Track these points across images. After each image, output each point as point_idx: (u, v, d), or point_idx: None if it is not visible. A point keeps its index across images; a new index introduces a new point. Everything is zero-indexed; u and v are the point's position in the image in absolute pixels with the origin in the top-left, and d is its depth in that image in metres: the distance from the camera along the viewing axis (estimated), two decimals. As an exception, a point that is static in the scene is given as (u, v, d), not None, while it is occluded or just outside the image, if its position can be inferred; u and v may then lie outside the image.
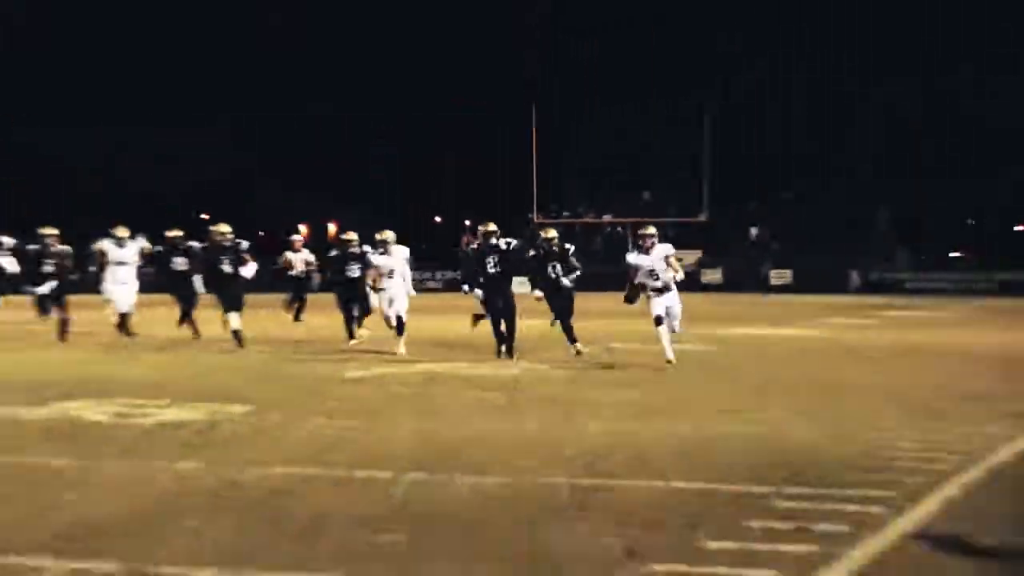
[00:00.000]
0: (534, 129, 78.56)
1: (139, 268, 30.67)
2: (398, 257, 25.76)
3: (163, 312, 31.78)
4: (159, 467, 12.64)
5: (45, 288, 28.66)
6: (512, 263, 25.06)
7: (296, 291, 36.35)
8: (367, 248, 28.64)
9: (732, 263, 78.94)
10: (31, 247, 28.98)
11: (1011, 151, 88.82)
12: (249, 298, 27.81)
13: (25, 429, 15.22)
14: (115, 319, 30.32)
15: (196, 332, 30.65)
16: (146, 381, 20.49)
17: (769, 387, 20.05)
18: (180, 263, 31.28)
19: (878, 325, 39.79)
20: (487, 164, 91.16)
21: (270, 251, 48.44)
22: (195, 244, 31.74)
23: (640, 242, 21.63)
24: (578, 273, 24.70)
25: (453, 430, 15.11)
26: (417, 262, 35.95)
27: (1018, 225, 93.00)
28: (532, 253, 26.21)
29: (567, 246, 25.71)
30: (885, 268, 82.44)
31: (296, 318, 35.78)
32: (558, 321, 25.94)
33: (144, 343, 28.69)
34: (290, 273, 36.24)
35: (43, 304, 28.94)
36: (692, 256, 74.51)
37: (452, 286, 30.70)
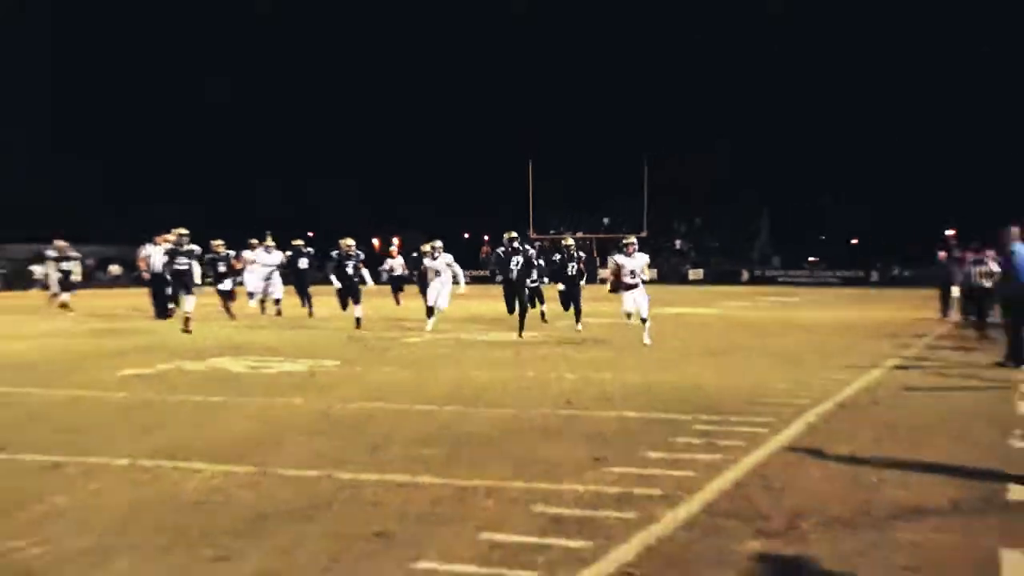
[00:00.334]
0: (531, 174, 78.20)
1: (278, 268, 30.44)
2: (443, 261, 24.51)
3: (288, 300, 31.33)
4: (278, 402, 12.72)
5: (228, 284, 28.40)
6: (531, 263, 23.90)
7: (395, 285, 36.08)
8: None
9: (663, 265, 78.74)
10: (208, 255, 27.93)
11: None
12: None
13: (189, 377, 15.28)
14: (255, 305, 30.22)
15: (311, 312, 29.69)
16: (270, 345, 20.54)
17: (688, 349, 20.10)
18: (302, 263, 30.89)
19: (759, 307, 39.72)
20: (498, 197, 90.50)
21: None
22: (310, 250, 31.47)
23: (625, 248, 21.00)
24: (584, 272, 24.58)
25: (477, 377, 15.17)
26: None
27: (852, 239, 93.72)
28: (556, 256, 25.66)
29: (581, 253, 25.02)
30: (765, 268, 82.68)
31: (398, 303, 34.82)
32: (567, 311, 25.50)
33: (275, 320, 28.62)
34: (392, 273, 36.10)
35: (226, 296, 28.54)
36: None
37: (475, 280, 30.35)
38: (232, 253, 29.00)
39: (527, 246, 24.40)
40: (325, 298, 29.44)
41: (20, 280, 62.62)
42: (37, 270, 63.11)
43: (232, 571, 5.98)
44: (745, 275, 78.11)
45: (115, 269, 71.56)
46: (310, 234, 31.30)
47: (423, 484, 8.18)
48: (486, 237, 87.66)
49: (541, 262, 27.32)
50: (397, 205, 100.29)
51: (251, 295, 31.31)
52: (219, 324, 26.08)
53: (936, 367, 17.17)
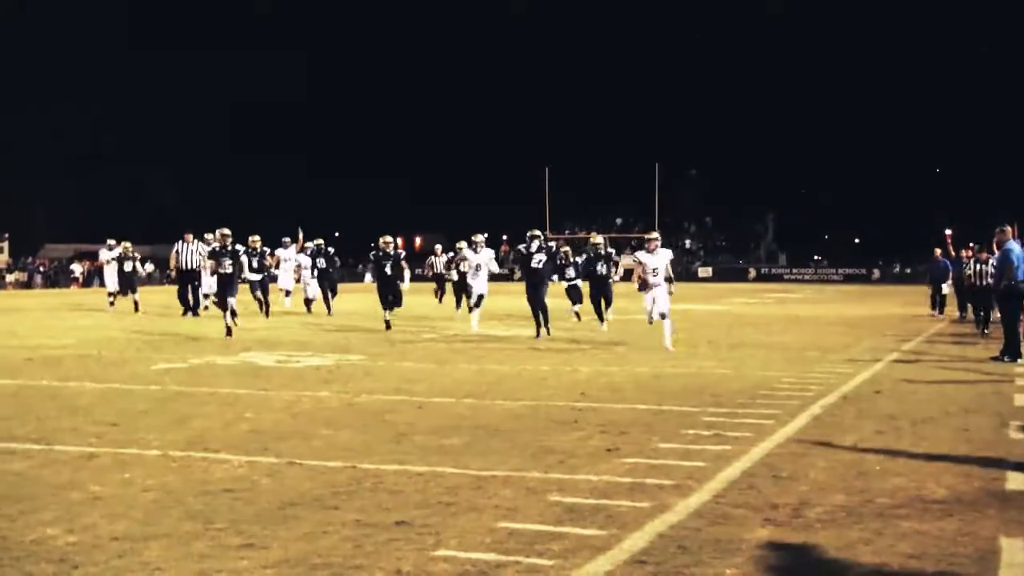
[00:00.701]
0: (547, 176, 78.25)
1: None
2: (486, 255, 23.56)
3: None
4: (305, 394, 12.70)
5: (256, 277, 28.01)
6: (552, 261, 21.80)
7: (439, 283, 35.89)
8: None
9: (674, 263, 78.77)
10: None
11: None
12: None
13: (219, 370, 15.29)
14: (289, 304, 30.09)
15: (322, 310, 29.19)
16: (299, 340, 20.58)
17: (697, 343, 20.07)
18: (320, 262, 29.85)
19: (766, 303, 39.73)
20: (520, 201, 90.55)
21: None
22: (331, 249, 30.47)
23: (647, 245, 19.06)
24: (615, 268, 24.12)
25: (494, 371, 15.14)
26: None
27: (856, 238, 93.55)
28: (585, 255, 25.46)
29: (610, 250, 24.53)
30: (771, 266, 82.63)
31: (440, 300, 34.04)
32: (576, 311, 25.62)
33: (304, 317, 28.61)
34: (435, 271, 35.98)
35: (256, 288, 28.29)
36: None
37: (493, 278, 30.50)
38: (267, 250, 28.74)
39: (551, 244, 22.49)
40: (349, 295, 29.34)
41: (62, 278, 62.91)
42: (76, 268, 63.54)
43: (258, 558, 5.93)
44: (752, 273, 78.31)
45: (148, 267, 71.93)
46: (336, 234, 30.51)
47: (442, 473, 8.14)
48: (504, 236, 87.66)
49: (577, 260, 26.58)
50: (413, 206, 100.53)
51: (287, 293, 31.25)
52: (250, 319, 26.12)
53: (936, 361, 17.13)
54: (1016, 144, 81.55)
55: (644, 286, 18.75)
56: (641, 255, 19.10)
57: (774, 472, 8.25)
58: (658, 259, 18.79)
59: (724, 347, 19.38)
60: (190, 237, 28.31)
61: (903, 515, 6.94)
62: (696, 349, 18.75)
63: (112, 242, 31.14)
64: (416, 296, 30.82)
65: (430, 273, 35.17)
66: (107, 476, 8.12)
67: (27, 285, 61.04)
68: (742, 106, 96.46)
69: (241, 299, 23.00)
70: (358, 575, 5.61)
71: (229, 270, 22.09)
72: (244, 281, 25.45)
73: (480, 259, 23.55)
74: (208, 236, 27.77)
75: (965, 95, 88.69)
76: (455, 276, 25.70)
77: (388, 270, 23.34)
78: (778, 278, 75.87)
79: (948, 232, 24.63)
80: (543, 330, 21.07)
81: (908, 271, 69.15)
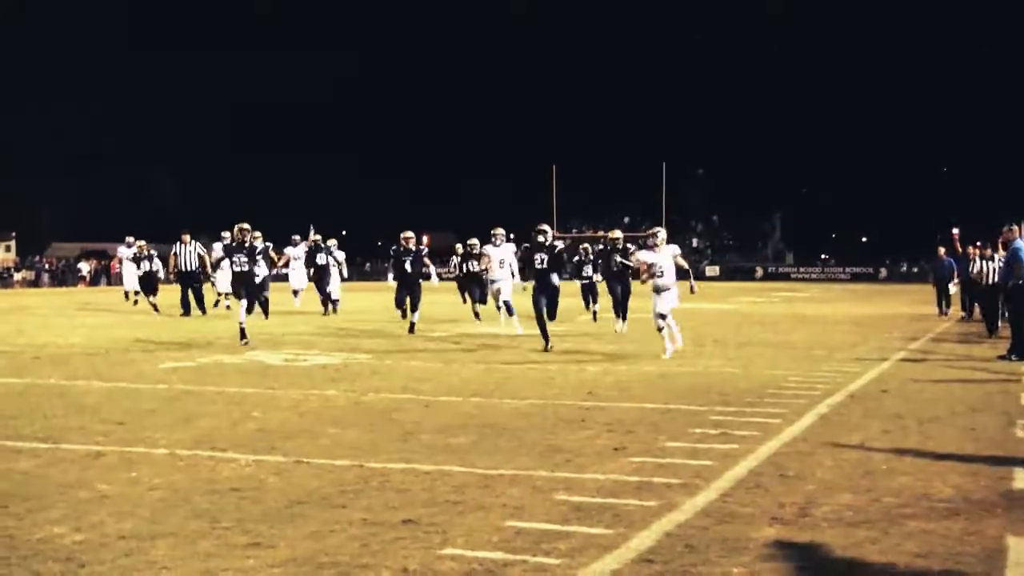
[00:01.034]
0: (554, 177, 78.18)
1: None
2: (509, 249, 21.72)
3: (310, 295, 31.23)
4: (312, 393, 12.71)
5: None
6: (557, 260, 18.52)
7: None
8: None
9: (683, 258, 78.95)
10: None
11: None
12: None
13: (226, 369, 15.30)
14: (299, 303, 29.94)
15: (331, 310, 28.81)
16: (305, 339, 20.57)
17: (704, 342, 20.06)
18: (320, 259, 29.17)
19: (773, 302, 39.74)
20: (527, 201, 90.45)
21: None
22: (331, 244, 29.70)
23: (649, 241, 17.21)
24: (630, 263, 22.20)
25: (501, 370, 15.15)
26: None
27: (863, 237, 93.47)
28: (600, 248, 24.47)
29: (628, 245, 23.03)
30: (778, 265, 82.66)
31: (464, 300, 33.20)
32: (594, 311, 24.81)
33: (308, 315, 28.56)
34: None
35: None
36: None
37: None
38: (270, 245, 28.12)
39: (558, 242, 19.44)
40: (357, 294, 29.24)
41: (69, 276, 63.00)
42: (83, 267, 63.63)
43: (264, 557, 5.93)
44: (759, 272, 78.27)
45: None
46: (343, 232, 29.87)
47: (449, 472, 8.14)
48: (512, 235, 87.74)
49: (595, 258, 25.14)
50: (421, 206, 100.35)
51: (296, 292, 31.08)
52: (257, 317, 26.14)
53: (942, 360, 17.10)
54: (1020, 142, 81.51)
55: (653, 289, 16.90)
56: (644, 254, 17.18)
57: (781, 471, 8.24)
58: (663, 256, 16.76)
59: (731, 346, 19.37)
60: (187, 238, 27.88)
61: (910, 514, 6.93)
62: (703, 348, 18.74)
63: (131, 240, 30.72)
64: (435, 294, 30.66)
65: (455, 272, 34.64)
66: (114, 475, 8.12)
67: (35, 283, 61.14)
68: (749, 105, 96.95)
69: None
70: (365, 574, 5.61)
71: (245, 267, 19.36)
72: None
73: (503, 254, 21.58)
74: (225, 234, 27.31)
75: (970, 94, 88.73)
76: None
77: (408, 267, 21.87)
78: (785, 277, 75.91)
79: (955, 231, 24.57)
80: (548, 340, 18.16)
81: (915, 270, 69.11)
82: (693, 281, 17.22)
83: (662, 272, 16.64)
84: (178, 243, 27.96)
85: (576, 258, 25.85)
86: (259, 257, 19.80)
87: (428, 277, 22.13)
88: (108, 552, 6.06)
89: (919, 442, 9.53)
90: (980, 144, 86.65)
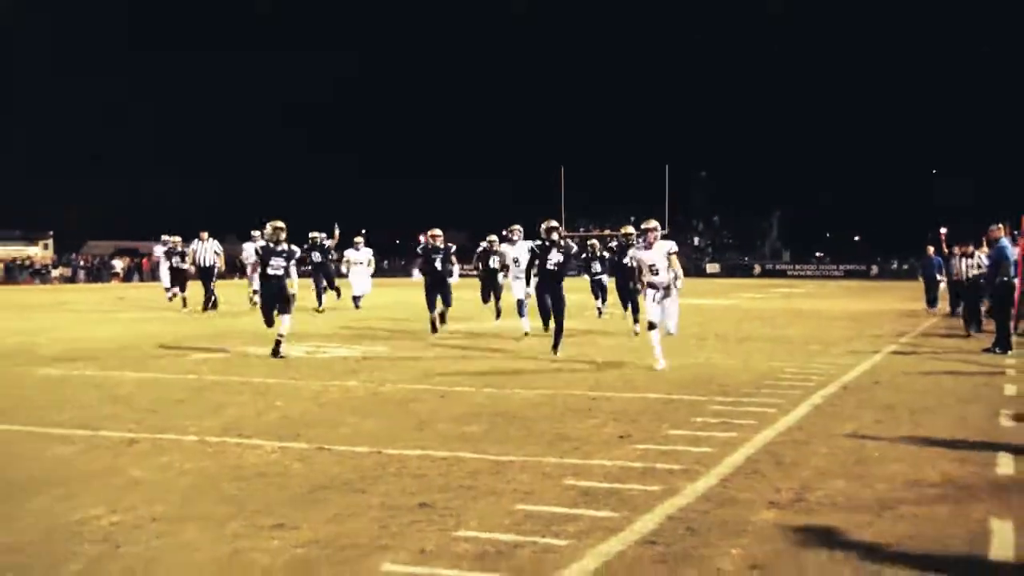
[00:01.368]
0: (562, 178, 78.02)
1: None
2: (521, 247, 19.94)
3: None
4: (333, 384, 12.72)
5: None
6: (568, 260, 16.67)
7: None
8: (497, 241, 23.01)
9: (683, 260, 78.71)
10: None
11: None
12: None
13: (252, 361, 15.30)
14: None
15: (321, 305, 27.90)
16: (325, 333, 20.54)
17: (705, 335, 20.04)
18: (315, 256, 28.39)
19: (770, 298, 39.67)
20: (536, 201, 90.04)
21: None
22: (328, 244, 28.68)
23: (643, 237, 14.82)
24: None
25: (511, 362, 15.16)
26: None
27: (856, 236, 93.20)
28: (612, 244, 23.62)
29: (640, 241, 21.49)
30: (775, 262, 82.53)
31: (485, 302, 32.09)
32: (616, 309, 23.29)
33: (333, 311, 28.46)
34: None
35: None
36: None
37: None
38: (297, 250, 27.41)
39: (569, 241, 17.41)
40: (377, 290, 29.02)
41: (103, 273, 63.13)
42: (117, 264, 63.76)
43: (289, 538, 5.96)
44: (757, 269, 78.12)
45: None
46: (364, 231, 28.95)
47: (463, 459, 8.16)
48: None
49: (605, 254, 24.24)
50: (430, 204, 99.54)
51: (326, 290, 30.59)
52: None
53: (930, 353, 17.08)
54: (1007, 146, 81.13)
55: (644, 286, 14.87)
56: (635, 252, 15.12)
57: (777, 458, 8.25)
58: (657, 254, 14.60)
59: (731, 340, 19.34)
60: (205, 235, 27.77)
61: (900, 499, 6.94)
62: (705, 342, 18.71)
63: (165, 237, 29.93)
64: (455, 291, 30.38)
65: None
66: (146, 461, 8.16)
67: (71, 280, 61.25)
68: (748, 109, 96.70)
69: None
70: (384, 555, 5.63)
71: (280, 272, 16.14)
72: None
73: (518, 252, 20.23)
74: (255, 233, 27.07)
75: (959, 98, 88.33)
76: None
77: (438, 264, 20.38)
78: (782, 274, 75.74)
79: (943, 230, 24.51)
80: (556, 349, 16.16)
81: (905, 267, 68.89)
82: (679, 283, 14.71)
83: (657, 270, 14.47)
84: (196, 240, 27.90)
85: (584, 255, 25.49)
86: (292, 265, 16.35)
87: (451, 274, 20.80)
88: (142, 533, 6.09)
89: (909, 431, 9.53)
90: (968, 147, 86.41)
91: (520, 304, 19.87)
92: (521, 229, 21.05)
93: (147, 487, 7.26)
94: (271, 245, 16.35)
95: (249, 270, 25.31)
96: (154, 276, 35.22)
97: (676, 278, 14.58)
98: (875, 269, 73.66)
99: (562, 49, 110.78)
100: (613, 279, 22.54)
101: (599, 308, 24.43)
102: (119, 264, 64.33)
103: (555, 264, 16.21)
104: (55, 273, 62.40)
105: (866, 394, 12.07)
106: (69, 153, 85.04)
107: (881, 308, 31.41)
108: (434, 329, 20.29)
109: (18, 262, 62.71)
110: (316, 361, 15.33)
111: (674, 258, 14.61)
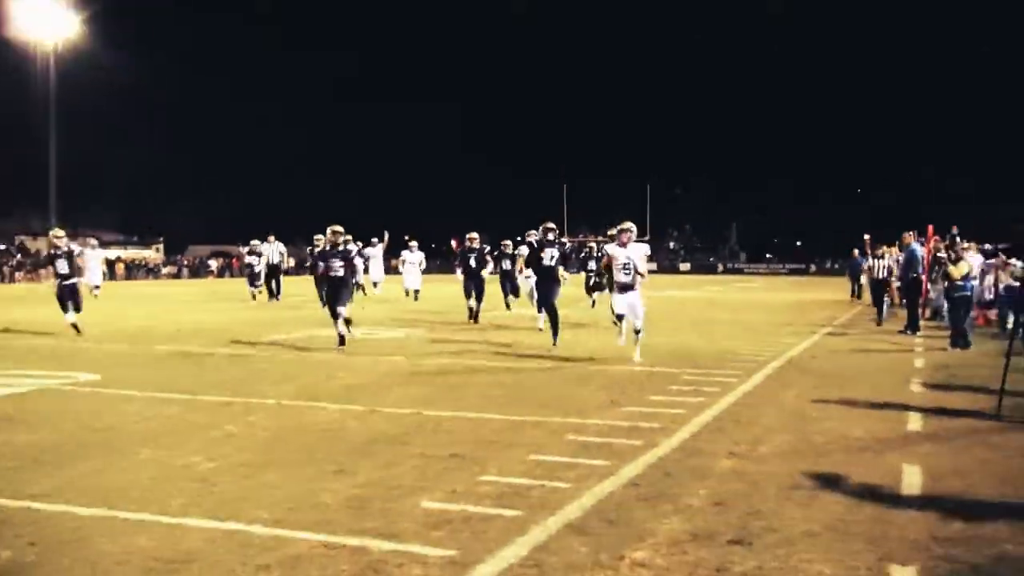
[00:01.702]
0: (564, 189, 77.70)
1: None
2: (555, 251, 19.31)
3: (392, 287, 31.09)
4: (382, 359, 12.72)
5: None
6: (563, 257, 15.25)
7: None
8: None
9: (661, 259, 78.42)
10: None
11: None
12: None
13: (317, 341, 15.19)
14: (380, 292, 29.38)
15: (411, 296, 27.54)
16: (377, 319, 20.47)
17: (678, 320, 20.00)
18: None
19: (730, 290, 39.56)
20: (541, 207, 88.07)
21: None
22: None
23: (619, 236, 12.91)
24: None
25: (527, 341, 15.14)
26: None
27: (798, 241, 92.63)
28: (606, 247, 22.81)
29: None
30: (734, 262, 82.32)
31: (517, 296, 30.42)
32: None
33: (385, 301, 28.40)
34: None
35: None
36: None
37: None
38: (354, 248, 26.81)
39: (563, 240, 15.76)
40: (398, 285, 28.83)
41: (201, 271, 63.34)
42: (213, 264, 63.95)
43: (348, 481, 5.97)
44: (720, 267, 77.87)
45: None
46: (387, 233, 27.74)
47: (487, 419, 8.16)
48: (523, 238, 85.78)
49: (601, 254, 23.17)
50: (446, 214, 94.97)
51: (375, 284, 30.22)
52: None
53: (857, 334, 17.07)
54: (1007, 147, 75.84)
55: (598, 286, 12.38)
56: (611, 248, 13.05)
57: (736, 417, 8.25)
58: (631, 253, 12.69)
59: (699, 323, 19.30)
60: (272, 238, 27.42)
61: (832, 449, 6.94)
62: (679, 325, 18.67)
63: (255, 242, 28.24)
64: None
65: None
66: (237, 419, 8.18)
67: (176, 276, 61.41)
68: (712, 139, 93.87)
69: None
70: (422, 494, 5.64)
71: (340, 272, 14.47)
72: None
73: (555, 252, 17.40)
74: (318, 237, 26.05)
75: (885, 134, 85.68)
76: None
77: (473, 263, 19.66)
78: (740, 271, 75.52)
79: (867, 236, 24.39)
80: (556, 338, 14.60)
81: (836, 266, 68.57)
82: (643, 279, 12.86)
83: (629, 269, 12.59)
84: (264, 242, 27.65)
85: (583, 253, 25.21)
86: (357, 261, 15.13)
87: (484, 268, 19.97)
88: (232, 475, 6.11)
89: (839, 395, 9.51)
90: (891, 165, 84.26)
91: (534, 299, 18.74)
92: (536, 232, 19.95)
93: (237, 440, 7.28)
94: (327, 248, 14.77)
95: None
96: (242, 273, 34.89)
97: (641, 275, 12.65)
98: (813, 268, 73.48)
99: (567, 61, 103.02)
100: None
101: (593, 300, 23.83)
102: (214, 264, 64.52)
103: (551, 259, 14.95)
104: (164, 271, 62.58)
105: (806, 367, 12.05)
106: (176, 174, 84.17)
107: (818, 298, 31.32)
108: (471, 315, 19.48)
109: (136, 262, 62.92)
110: (369, 341, 15.30)
111: (643, 259, 12.74)
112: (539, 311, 16.97)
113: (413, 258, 28.23)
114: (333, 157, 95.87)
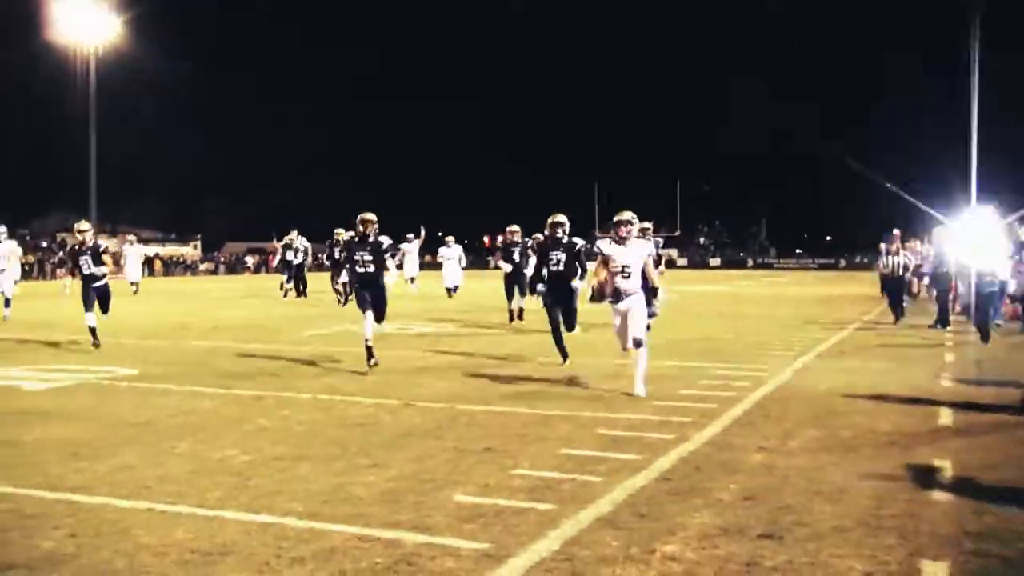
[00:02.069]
0: (596, 187, 77.21)
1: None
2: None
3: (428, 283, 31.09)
4: (415, 353, 12.76)
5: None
6: (574, 260, 11.67)
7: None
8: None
9: (692, 254, 78.12)
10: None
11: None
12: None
13: (351, 335, 15.11)
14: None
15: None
16: (409, 313, 20.49)
17: (708, 314, 19.91)
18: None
19: (760, 285, 39.33)
20: (560, 205, 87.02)
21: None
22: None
23: (617, 230, 9.46)
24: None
25: (547, 341, 15.09)
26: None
27: (828, 236, 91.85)
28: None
29: (659, 239, 16.68)
30: (764, 257, 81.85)
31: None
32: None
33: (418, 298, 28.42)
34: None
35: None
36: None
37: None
38: (388, 241, 25.96)
39: (575, 239, 11.92)
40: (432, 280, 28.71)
41: (238, 267, 63.74)
42: (248, 261, 64.34)
43: (381, 474, 5.97)
44: (750, 262, 77.47)
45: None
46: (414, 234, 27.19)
47: (518, 413, 8.14)
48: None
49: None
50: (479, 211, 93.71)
51: (411, 280, 29.60)
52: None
53: (886, 329, 16.90)
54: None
55: (608, 295, 9.56)
56: (605, 245, 9.63)
57: (766, 412, 8.19)
58: (631, 253, 9.42)
59: (728, 317, 19.21)
60: (295, 234, 27.02)
61: (861, 444, 6.87)
62: (708, 319, 18.61)
63: (291, 235, 27.56)
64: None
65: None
66: (271, 412, 8.21)
67: (214, 272, 61.82)
68: (742, 135, 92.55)
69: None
70: (455, 488, 5.62)
71: (370, 268, 11.36)
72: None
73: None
74: (339, 231, 23.46)
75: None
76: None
77: (516, 257, 18.28)
78: (769, 266, 75.11)
79: (896, 232, 24.15)
80: (566, 356, 11.66)
81: (865, 261, 68.08)
82: (661, 297, 11.69)
83: (629, 273, 9.37)
84: (300, 237, 27.38)
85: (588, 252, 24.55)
86: (386, 256, 11.53)
87: (526, 264, 17.94)
88: (267, 469, 6.12)
89: (868, 389, 9.43)
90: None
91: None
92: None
93: (271, 433, 7.30)
94: (357, 239, 11.58)
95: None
96: (277, 270, 34.85)
97: (656, 292, 10.67)
98: (843, 262, 72.95)
99: (583, 60, 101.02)
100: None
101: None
102: (250, 260, 64.89)
103: (558, 263, 11.75)
104: (201, 267, 63.07)
105: (835, 361, 11.96)
106: (209, 172, 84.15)
107: (848, 293, 31.08)
108: (511, 319, 17.97)
109: (174, 259, 63.43)
110: (402, 336, 15.34)
111: (650, 265, 9.68)
112: (556, 340, 11.77)
113: (451, 253, 27.15)
114: (352, 155, 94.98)
